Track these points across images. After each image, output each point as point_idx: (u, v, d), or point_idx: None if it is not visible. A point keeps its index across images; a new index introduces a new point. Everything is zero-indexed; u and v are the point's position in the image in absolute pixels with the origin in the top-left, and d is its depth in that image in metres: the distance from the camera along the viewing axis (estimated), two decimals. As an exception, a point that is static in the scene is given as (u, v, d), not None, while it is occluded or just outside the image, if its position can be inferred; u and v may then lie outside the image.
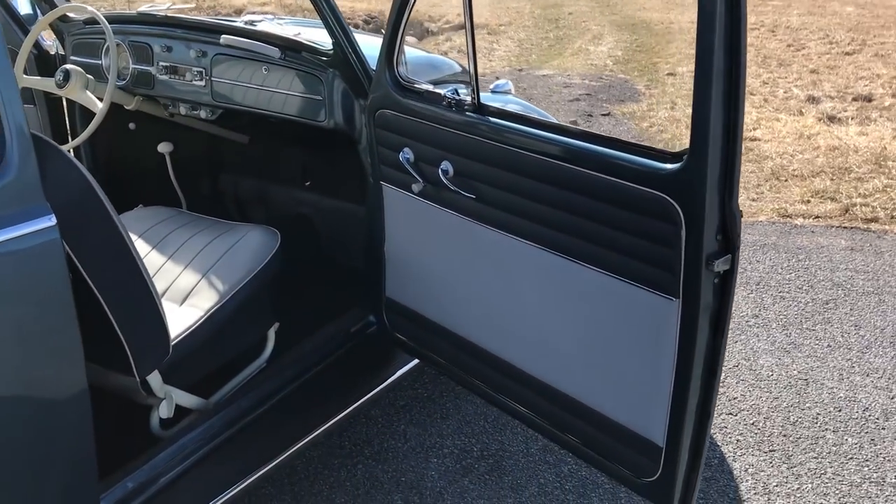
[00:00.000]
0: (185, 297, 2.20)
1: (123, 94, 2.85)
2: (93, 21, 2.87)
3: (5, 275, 1.46)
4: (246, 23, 2.64)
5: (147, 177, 3.15)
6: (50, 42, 3.11)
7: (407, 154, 2.21)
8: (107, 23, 2.57)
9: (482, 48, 10.61)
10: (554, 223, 1.92)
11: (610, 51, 10.42)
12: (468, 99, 2.05)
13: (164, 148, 3.00)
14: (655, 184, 1.68)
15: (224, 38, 2.52)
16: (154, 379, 2.01)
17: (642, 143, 1.76)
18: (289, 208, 3.31)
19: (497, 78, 7.45)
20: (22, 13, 3.06)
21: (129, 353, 1.88)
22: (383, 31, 2.25)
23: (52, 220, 1.50)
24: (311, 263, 3.10)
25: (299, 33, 2.51)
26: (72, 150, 3.04)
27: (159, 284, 2.24)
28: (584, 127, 6.94)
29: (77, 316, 1.62)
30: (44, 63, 3.01)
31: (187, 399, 2.17)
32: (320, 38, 2.49)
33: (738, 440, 2.75)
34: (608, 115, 7.27)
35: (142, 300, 1.88)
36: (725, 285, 1.70)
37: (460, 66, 3.27)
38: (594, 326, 1.92)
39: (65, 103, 3.13)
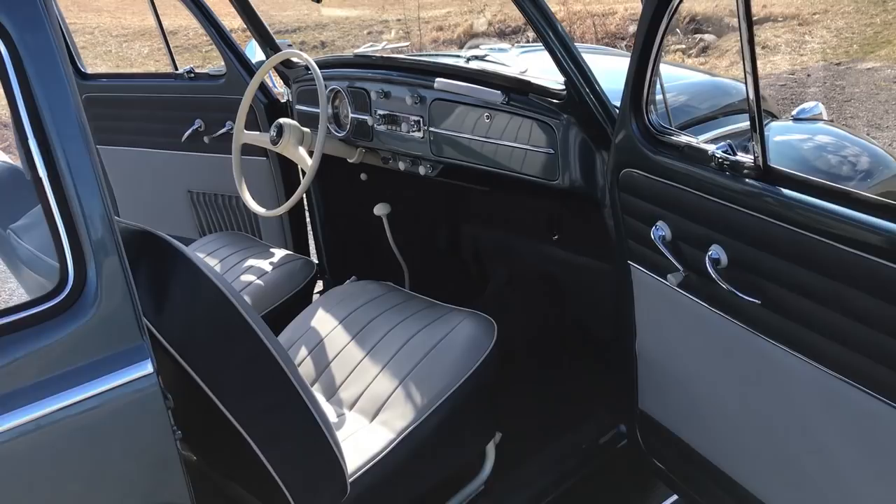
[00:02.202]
0: (378, 410, 1.78)
1: (345, 146, 2.53)
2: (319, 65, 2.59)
3: (89, 436, 1.12)
4: (468, 58, 2.18)
5: (368, 240, 2.81)
6: (281, 89, 2.89)
7: (661, 230, 1.60)
8: (317, 68, 2.24)
9: (791, 41, 9.33)
10: (880, 354, 1.21)
11: (957, 32, 8.64)
12: (748, 159, 1.40)
13: (380, 210, 2.63)
14: None
15: (438, 83, 2.07)
16: (328, 524, 1.60)
17: None
18: (532, 265, 2.80)
19: (801, 99, 6.38)
20: (254, 60, 2.87)
21: (290, 498, 1.49)
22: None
23: (146, 367, 1.13)
24: (555, 338, 2.57)
25: (526, 70, 1.99)
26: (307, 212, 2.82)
27: (352, 389, 1.85)
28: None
29: (224, 451, 1.27)
30: (273, 112, 2.80)
31: (377, 540, 1.74)
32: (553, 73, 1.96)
33: None
34: (958, 116, 5.87)
35: (305, 433, 1.48)
36: None
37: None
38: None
39: (298, 155, 2.90)
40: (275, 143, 2.38)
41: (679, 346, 1.71)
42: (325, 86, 2.53)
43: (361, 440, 1.70)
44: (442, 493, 1.92)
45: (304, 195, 2.95)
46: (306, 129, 2.41)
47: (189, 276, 1.29)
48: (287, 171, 2.86)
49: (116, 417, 1.12)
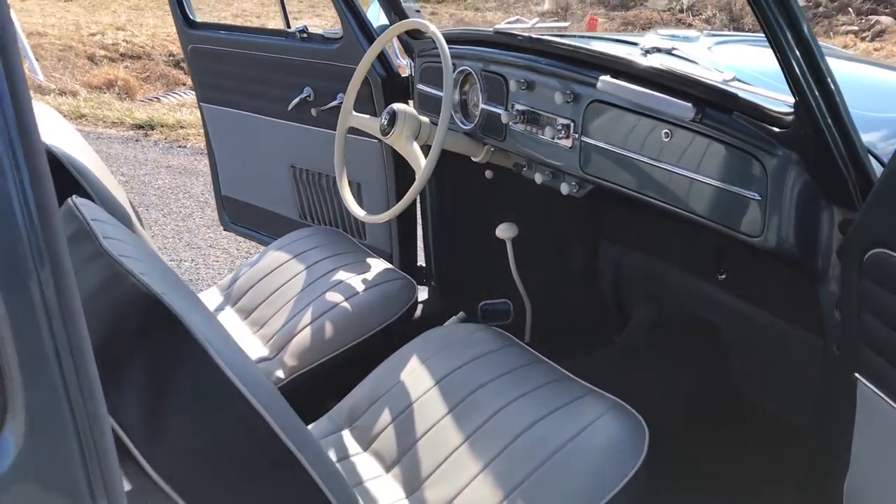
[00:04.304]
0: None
1: (470, 141, 2.04)
2: (449, 40, 2.10)
3: None
4: (647, 51, 1.63)
5: (489, 260, 2.30)
6: (404, 61, 2.42)
7: (932, 355, 1.04)
8: (444, 44, 1.76)
9: None
10: None
11: None
12: None
13: (505, 233, 2.12)
14: None
15: (603, 82, 1.54)
16: None
17: None
18: (687, 308, 2.25)
19: None
20: (376, 25, 2.40)
21: None
22: None
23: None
24: (717, 413, 2.02)
25: (732, 78, 1.42)
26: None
27: (441, 489, 1.38)
28: None
29: None
30: (392, 90, 2.33)
31: None
32: (772, 85, 1.40)
33: None
34: None
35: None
36: None
37: None
38: None
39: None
40: (385, 133, 1.92)
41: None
42: (454, 66, 2.05)
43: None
44: None
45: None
46: (425, 119, 1.93)
47: (208, 387, 0.85)
48: (403, 160, 2.40)
49: None
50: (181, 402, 0.85)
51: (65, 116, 6.04)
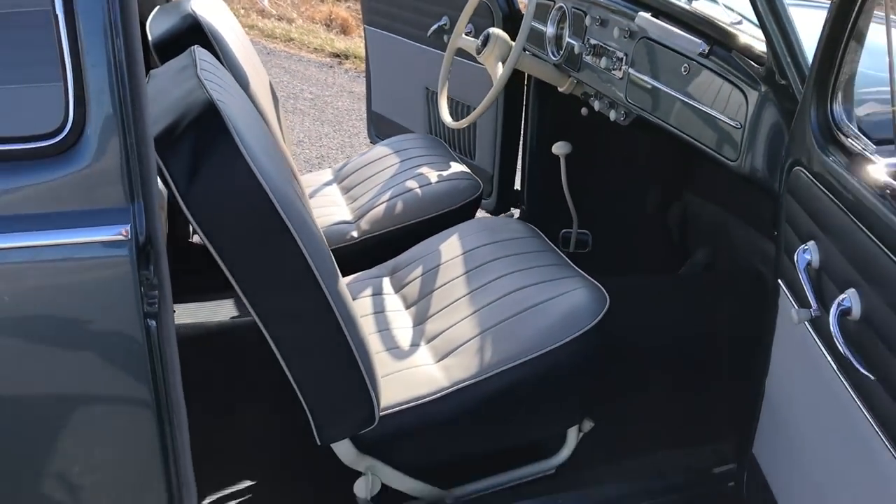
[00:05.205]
0: (448, 354, 1.64)
1: (557, 72, 2.32)
2: None
3: (49, 287, 1.12)
4: (694, -7, 1.83)
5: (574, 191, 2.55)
6: None
7: (809, 254, 1.24)
8: None
9: None
10: None
11: None
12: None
13: (559, 149, 2.37)
14: None
15: (639, 18, 1.77)
16: (344, 448, 1.52)
17: None
18: (742, 256, 2.40)
19: None
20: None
21: (306, 409, 1.44)
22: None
23: (118, 232, 1.09)
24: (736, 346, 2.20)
25: (740, 20, 1.62)
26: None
27: (438, 323, 1.72)
28: None
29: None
30: (512, 24, 2.62)
31: (405, 483, 1.64)
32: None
33: None
34: None
35: (330, 350, 1.40)
36: None
37: None
38: None
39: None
40: (478, 52, 2.23)
41: (800, 398, 1.35)
42: (554, 2, 2.32)
43: (416, 378, 1.59)
44: (503, 461, 1.75)
45: (523, 120, 2.78)
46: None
47: (226, 157, 1.24)
48: (513, 87, 2.70)
49: (74, 275, 1.11)
50: (212, 174, 1.25)
51: (276, 38, 6.79)
